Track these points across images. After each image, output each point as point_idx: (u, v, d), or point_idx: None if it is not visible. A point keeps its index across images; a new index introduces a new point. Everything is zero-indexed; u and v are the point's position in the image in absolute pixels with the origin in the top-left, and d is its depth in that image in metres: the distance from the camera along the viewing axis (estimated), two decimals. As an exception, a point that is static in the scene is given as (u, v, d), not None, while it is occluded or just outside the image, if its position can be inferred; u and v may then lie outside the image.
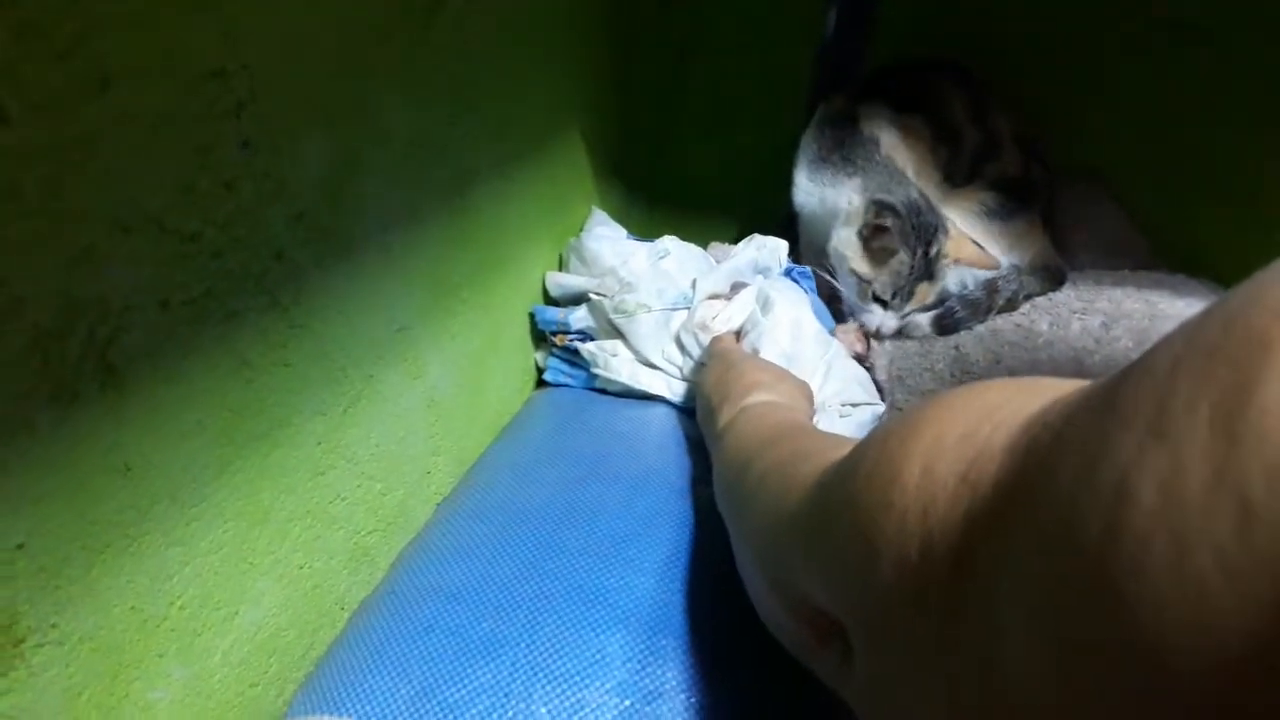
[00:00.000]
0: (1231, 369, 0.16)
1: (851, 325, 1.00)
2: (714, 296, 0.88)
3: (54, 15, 0.33)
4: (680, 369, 0.85)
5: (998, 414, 0.26)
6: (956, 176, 1.04)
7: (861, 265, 0.95)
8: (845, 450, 0.35)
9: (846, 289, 0.98)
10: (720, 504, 0.55)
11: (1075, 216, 1.14)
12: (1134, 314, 0.92)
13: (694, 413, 0.79)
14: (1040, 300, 0.99)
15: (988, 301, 0.98)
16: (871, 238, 0.94)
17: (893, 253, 0.93)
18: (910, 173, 1.00)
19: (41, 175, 0.34)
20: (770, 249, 0.95)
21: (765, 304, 0.86)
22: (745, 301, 0.88)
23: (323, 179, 0.52)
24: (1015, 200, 1.03)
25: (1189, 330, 0.19)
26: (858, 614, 0.32)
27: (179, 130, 0.40)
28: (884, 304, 0.96)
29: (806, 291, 0.96)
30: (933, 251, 0.93)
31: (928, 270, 0.94)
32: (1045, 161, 1.09)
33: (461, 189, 0.71)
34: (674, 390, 0.85)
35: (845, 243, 0.96)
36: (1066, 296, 0.99)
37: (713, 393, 0.69)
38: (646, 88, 1.20)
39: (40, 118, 0.33)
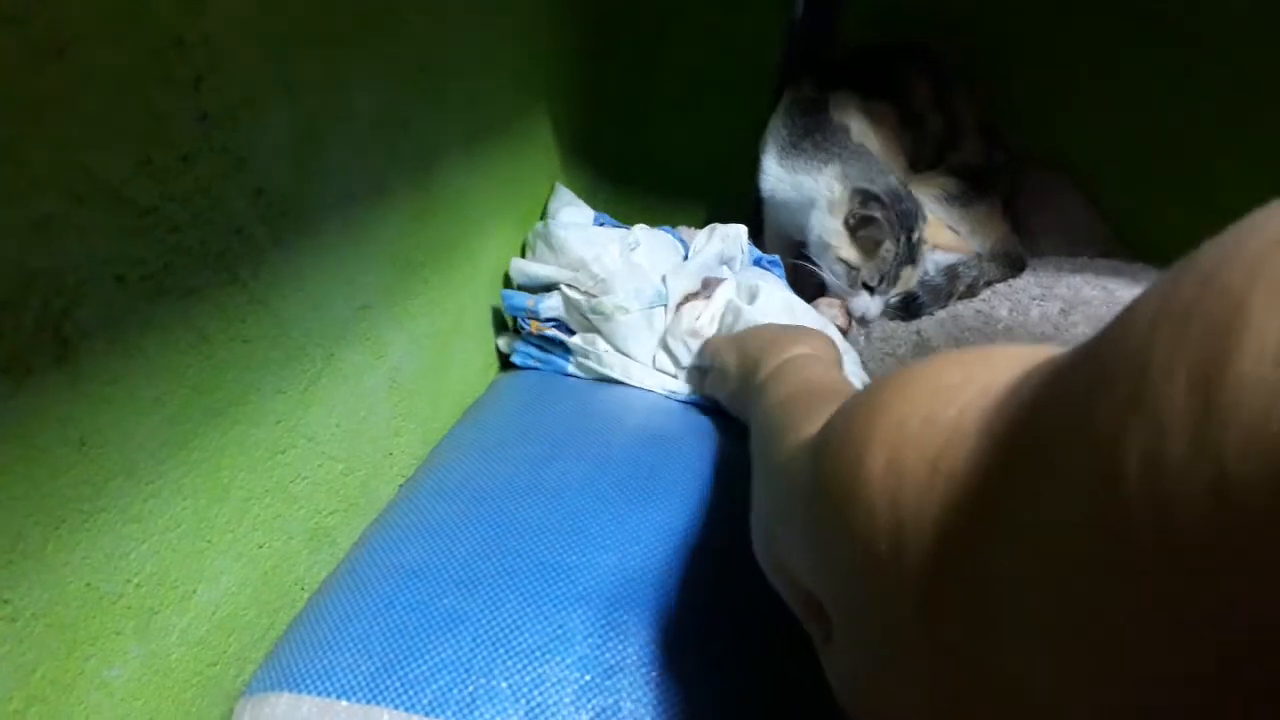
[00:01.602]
0: (1207, 332, 0.16)
1: (834, 299, 1.01)
2: (689, 295, 0.88)
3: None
4: (673, 373, 0.85)
5: (961, 395, 0.26)
6: (920, 162, 1.06)
7: (849, 253, 0.96)
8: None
9: (834, 276, 0.99)
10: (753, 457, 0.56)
11: (1037, 204, 1.15)
12: (1092, 301, 0.94)
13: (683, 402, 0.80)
14: (1000, 286, 1.01)
15: (949, 287, 0.99)
16: (859, 227, 0.95)
17: (879, 241, 0.94)
18: (880, 157, 1.01)
19: (-7, 142, 0.33)
20: (732, 237, 0.95)
21: (752, 293, 0.86)
22: (724, 298, 0.88)
23: (284, 154, 0.51)
24: (977, 187, 1.05)
25: (1165, 288, 0.18)
26: (832, 597, 0.32)
27: (136, 101, 0.39)
28: (871, 290, 0.97)
29: (779, 279, 0.97)
30: (915, 237, 0.95)
31: (910, 255, 0.95)
32: (1007, 149, 1.11)
33: (426, 166, 0.71)
34: (667, 386, 0.84)
35: (830, 231, 0.97)
36: (1026, 283, 1.00)
37: (744, 360, 0.70)
38: (617, 67, 1.20)
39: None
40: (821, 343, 0.69)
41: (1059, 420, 0.20)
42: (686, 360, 0.84)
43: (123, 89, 0.39)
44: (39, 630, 0.39)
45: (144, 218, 0.41)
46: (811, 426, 0.39)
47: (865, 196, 0.93)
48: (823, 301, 1.01)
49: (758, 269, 0.97)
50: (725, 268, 0.93)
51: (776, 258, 1.00)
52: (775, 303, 0.85)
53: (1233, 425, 0.15)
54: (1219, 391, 0.15)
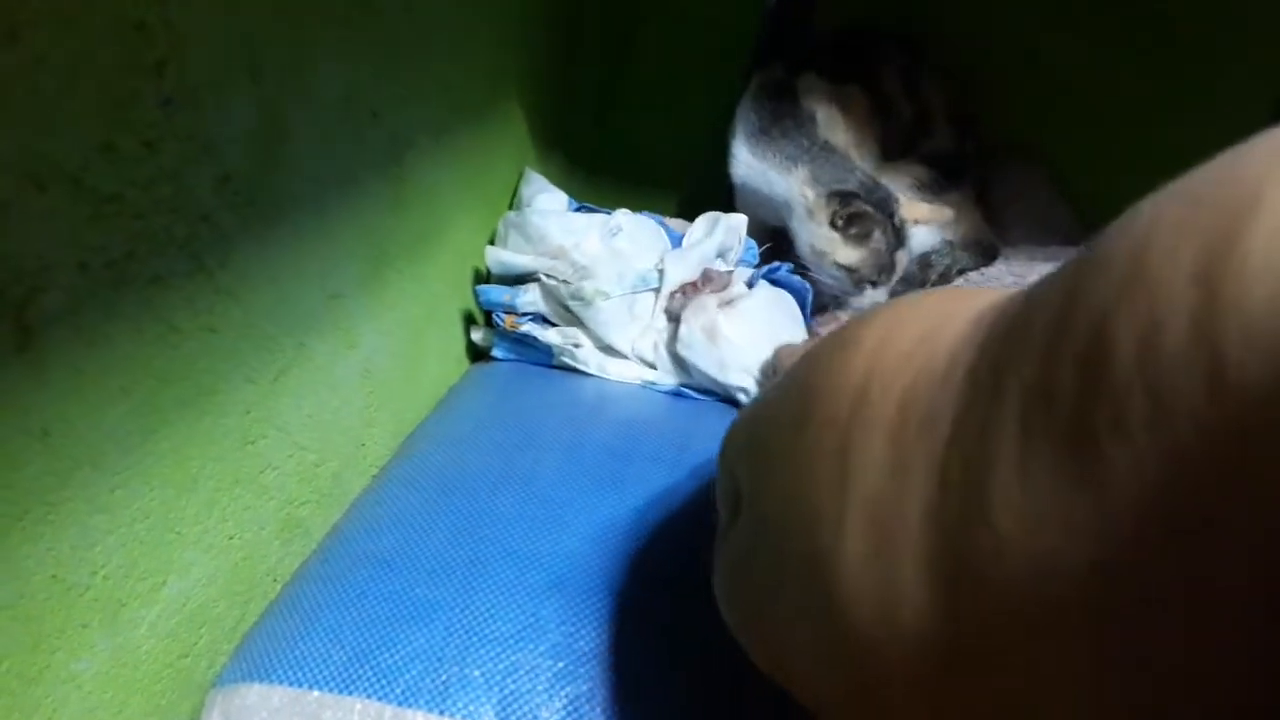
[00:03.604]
0: (1217, 216, 0.15)
1: (830, 317, 1.00)
2: (685, 285, 0.86)
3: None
4: (651, 361, 0.84)
5: (964, 296, 0.26)
6: (891, 150, 1.06)
7: (846, 255, 0.95)
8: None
9: (835, 282, 0.98)
10: None
11: (1009, 193, 1.16)
12: (1064, 288, 0.95)
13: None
14: (973, 275, 1.01)
15: (921, 275, 1.00)
16: (849, 225, 0.94)
17: (869, 234, 0.94)
18: (848, 148, 1.01)
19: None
20: (733, 228, 0.92)
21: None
22: (744, 299, 0.86)
23: (251, 141, 0.51)
24: (948, 175, 1.05)
25: (1174, 186, 0.18)
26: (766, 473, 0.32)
27: (96, 85, 0.39)
28: (873, 284, 0.96)
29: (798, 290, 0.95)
30: (897, 220, 0.94)
31: (899, 239, 0.95)
32: (979, 137, 1.11)
33: (397, 155, 0.70)
34: (645, 378, 0.83)
35: (821, 239, 0.96)
36: (999, 271, 1.01)
37: None
38: (592, 53, 1.19)
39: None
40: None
41: (1049, 302, 0.19)
42: (694, 351, 0.81)
43: (81, 73, 0.38)
44: (3, 623, 0.38)
45: (106, 204, 0.40)
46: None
47: (844, 197, 0.93)
48: (820, 326, 0.99)
49: (767, 283, 0.93)
50: (721, 260, 0.91)
51: (801, 281, 0.97)
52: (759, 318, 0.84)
53: (1236, 310, 0.14)
54: (1223, 272, 0.15)
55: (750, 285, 0.89)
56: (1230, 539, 0.15)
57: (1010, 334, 0.21)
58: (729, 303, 0.85)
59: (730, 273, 0.88)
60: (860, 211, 0.92)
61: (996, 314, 0.22)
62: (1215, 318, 0.15)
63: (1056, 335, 0.18)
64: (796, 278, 0.94)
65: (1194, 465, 0.15)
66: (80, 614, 0.43)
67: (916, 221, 0.97)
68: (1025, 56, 1.13)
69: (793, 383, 0.32)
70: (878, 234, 0.93)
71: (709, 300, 0.83)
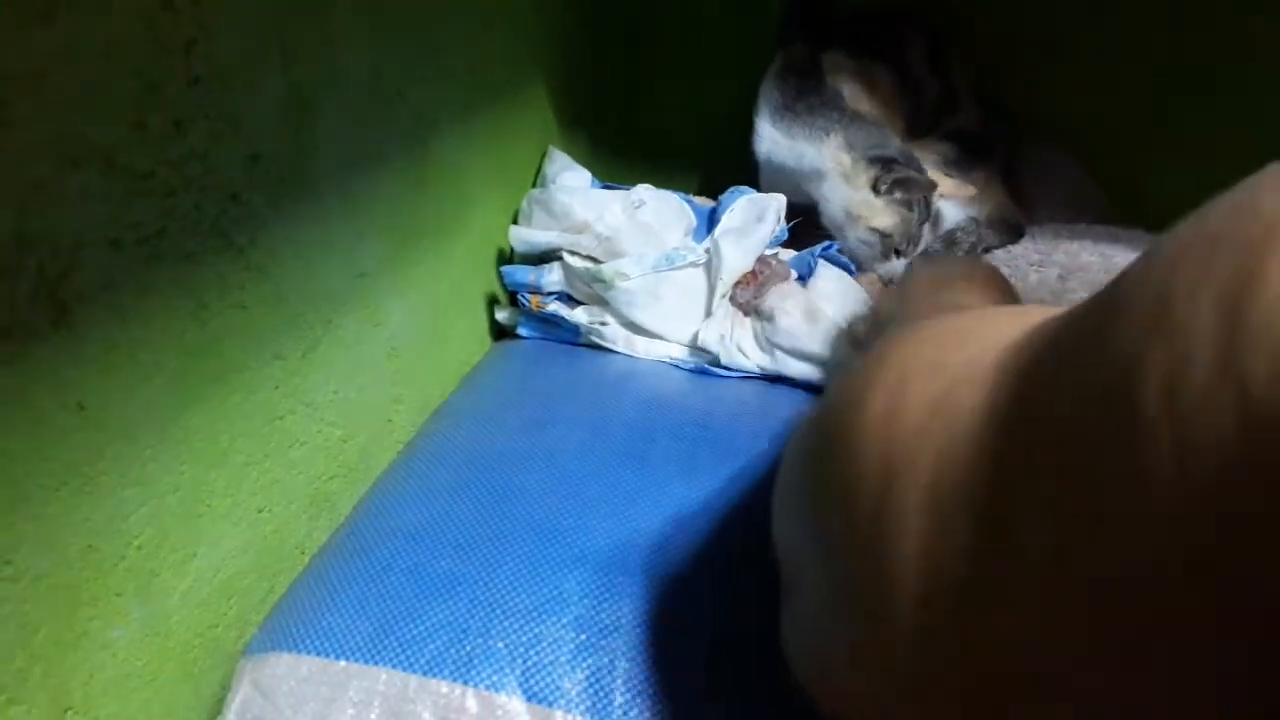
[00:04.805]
0: (1237, 254, 0.16)
1: (872, 275, 0.99)
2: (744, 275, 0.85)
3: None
4: (715, 351, 0.83)
5: (968, 343, 0.26)
6: (917, 128, 1.05)
7: (883, 220, 0.94)
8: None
9: (865, 247, 0.97)
10: None
11: (1034, 170, 1.15)
12: (1090, 267, 0.94)
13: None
14: (998, 253, 1.01)
15: (946, 254, 0.99)
16: (892, 190, 0.93)
17: (907, 203, 0.93)
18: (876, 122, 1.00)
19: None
20: (779, 212, 0.91)
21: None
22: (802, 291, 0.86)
23: (280, 120, 0.51)
24: (973, 153, 1.04)
25: (1190, 224, 0.18)
26: (811, 554, 0.32)
27: (128, 66, 0.40)
28: (899, 254, 0.96)
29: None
30: (930, 190, 0.94)
31: (928, 212, 0.94)
32: (1004, 115, 1.10)
33: (422, 135, 0.71)
34: (672, 355, 0.83)
35: (858, 203, 0.95)
36: (1024, 249, 1.00)
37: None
38: (616, 34, 1.19)
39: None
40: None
41: (1077, 348, 0.20)
42: (797, 338, 0.80)
43: (113, 54, 0.39)
44: (41, 590, 0.40)
45: (139, 182, 0.41)
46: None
47: (884, 162, 0.92)
48: (862, 278, 0.98)
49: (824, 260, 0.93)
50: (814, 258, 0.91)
51: (846, 260, 0.97)
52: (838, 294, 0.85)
53: (1260, 347, 0.15)
54: (1247, 311, 0.15)
55: (809, 265, 0.89)
56: (1262, 564, 0.15)
57: (1038, 383, 0.21)
58: (803, 285, 0.86)
59: (784, 261, 0.88)
60: (905, 177, 0.91)
61: (1017, 363, 0.23)
62: (1240, 353, 0.15)
63: (1085, 382, 0.19)
64: (843, 256, 0.95)
65: (1222, 495, 0.15)
66: (115, 583, 0.44)
67: (942, 196, 0.97)
68: (1054, 35, 1.11)
69: (809, 462, 0.33)
70: (916, 203, 0.93)
71: (788, 288, 0.84)
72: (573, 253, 0.84)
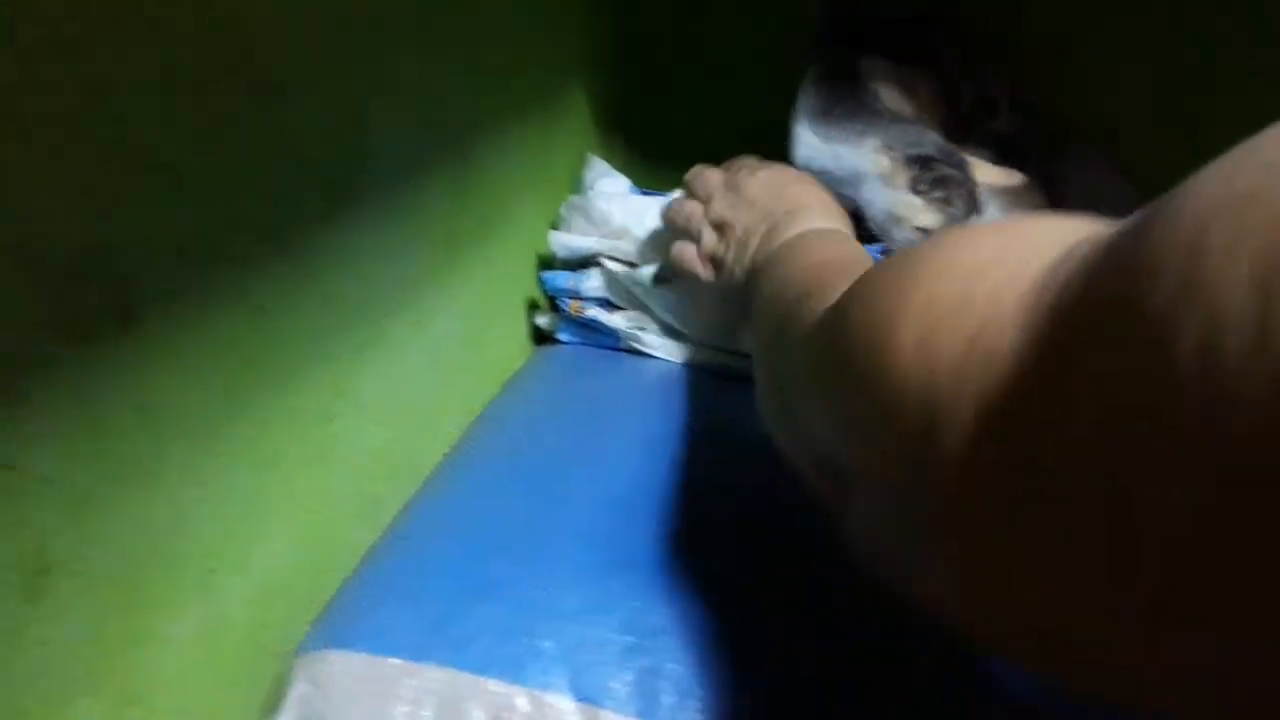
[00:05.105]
0: (1272, 219, 0.15)
1: None
2: None
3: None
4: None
5: (997, 270, 0.25)
6: (954, 134, 1.05)
7: (927, 219, 0.94)
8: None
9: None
10: (753, 341, 0.55)
11: (1074, 176, 1.14)
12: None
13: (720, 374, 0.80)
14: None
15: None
16: (933, 189, 0.93)
17: (947, 200, 0.92)
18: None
19: (59, 114, 0.34)
20: None
21: None
22: None
23: (332, 129, 0.53)
24: (1012, 158, 1.03)
25: (1223, 173, 0.17)
26: (859, 464, 0.32)
27: (191, 78, 0.41)
28: None
29: None
30: (972, 185, 0.93)
31: (974, 204, 0.94)
32: (1042, 120, 1.10)
33: (465, 142, 0.72)
34: (718, 360, 0.83)
35: (899, 204, 0.94)
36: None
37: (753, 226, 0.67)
38: (653, 39, 1.19)
39: (53, 61, 0.34)
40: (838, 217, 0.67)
41: (1106, 305, 0.19)
42: None
43: (177, 67, 0.40)
44: (108, 587, 0.41)
45: (200, 190, 0.43)
46: (827, 295, 0.38)
47: (922, 161, 0.92)
48: None
49: None
50: None
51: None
52: None
53: None
54: None
55: None
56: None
57: (1074, 327, 0.20)
58: None
59: None
60: (944, 175, 0.91)
61: (1053, 299, 0.22)
62: (1277, 324, 0.14)
63: (1120, 331, 0.18)
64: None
65: (1254, 465, 0.15)
66: (177, 580, 0.45)
67: (988, 185, 0.96)
68: (1092, 41, 1.10)
69: (831, 369, 0.33)
70: (957, 199, 0.92)
71: None
72: (612, 258, 0.85)
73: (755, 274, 0.62)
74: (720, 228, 0.72)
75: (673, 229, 0.78)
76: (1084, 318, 0.20)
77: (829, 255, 0.55)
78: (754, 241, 0.66)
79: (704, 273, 0.72)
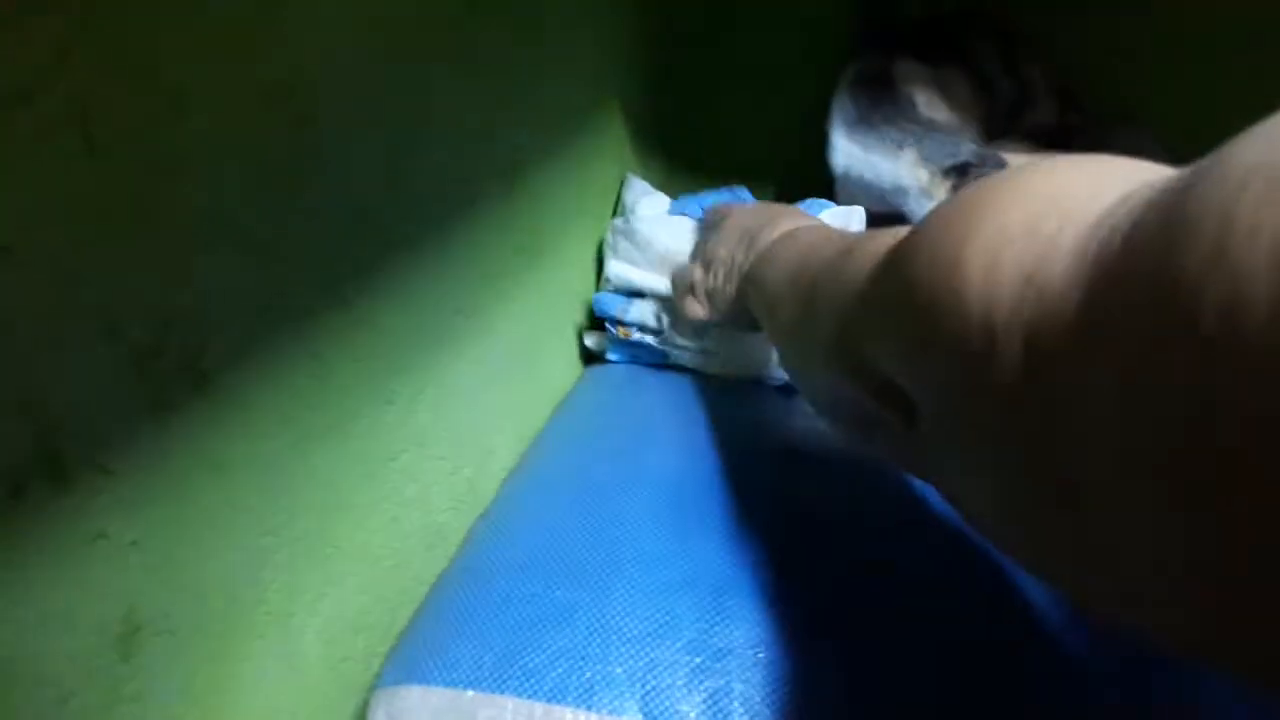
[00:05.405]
0: None
1: None
2: None
3: (133, 44, 0.35)
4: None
5: (1065, 203, 0.25)
6: (995, 129, 1.04)
7: None
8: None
9: None
10: (766, 322, 0.57)
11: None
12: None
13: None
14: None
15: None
16: None
17: None
18: (952, 128, 0.99)
19: (132, 195, 0.36)
20: (856, 221, 0.93)
21: None
22: None
23: (380, 175, 0.54)
24: (1053, 147, 1.02)
25: (1267, 141, 0.17)
26: (922, 389, 0.32)
27: (252, 143, 0.42)
28: None
29: None
30: None
31: None
32: (1084, 110, 1.08)
33: (508, 171, 0.73)
34: (764, 374, 0.85)
35: None
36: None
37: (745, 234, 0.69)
38: (688, 53, 1.19)
39: (125, 142, 0.36)
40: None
41: (1143, 259, 0.19)
42: None
43: (240, 136, 0.42)
44: (194, 639, 0.42)
45: (262, 250, 0.44)
46: (872, 242, 0.39)
47: (959, 170, 0.91)
48: None
49: None
50: None
51: None
52: None
53: None
54: None
55: None
56: None
57: (1114, 276, 0.21)
58: None
59: None
60: (981, 179, 0.90)
61: (1098, 244, 0.22)
62: None
63: (1152, 290, 0.18)
64: None
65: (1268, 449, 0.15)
66: (256, 628, 0.47)
67: None
68: (1133, 29, 1.09)
69: (894, 300, 0.33)
70: None
71: None
72: (657, 293, 0.87)
73: (747, 279, 0.64)
74: (708, 265, 0.74)
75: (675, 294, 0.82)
76: (1122, 268, 0.20)
77: (831, 231, 0.57)
78: (738, 258, 0.68)
79: (702, 313, 0.75)
